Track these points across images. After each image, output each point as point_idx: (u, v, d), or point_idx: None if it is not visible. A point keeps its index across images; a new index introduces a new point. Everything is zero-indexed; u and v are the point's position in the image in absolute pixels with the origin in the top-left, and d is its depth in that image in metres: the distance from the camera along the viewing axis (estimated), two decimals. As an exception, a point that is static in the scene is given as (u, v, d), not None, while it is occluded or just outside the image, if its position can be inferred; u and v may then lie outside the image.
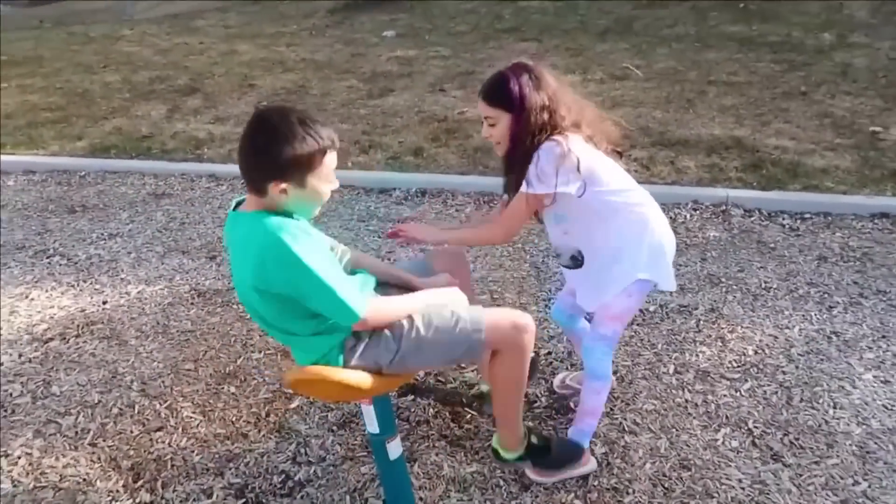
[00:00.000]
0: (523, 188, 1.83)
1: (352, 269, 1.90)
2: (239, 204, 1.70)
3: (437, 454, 2.17)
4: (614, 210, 1.91)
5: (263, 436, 2.28)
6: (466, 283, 2.09)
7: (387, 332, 1.73)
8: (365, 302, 1.62)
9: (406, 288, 1.92)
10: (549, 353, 2.67)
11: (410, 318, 1.74)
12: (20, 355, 2.76)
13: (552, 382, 2.47)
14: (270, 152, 1.52)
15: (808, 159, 4.29)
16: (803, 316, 2.85)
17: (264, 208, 1.60)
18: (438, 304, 1.79)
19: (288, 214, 1.62)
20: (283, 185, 1.55)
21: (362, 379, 1.68)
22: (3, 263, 3.56)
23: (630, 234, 1.94)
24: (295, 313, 1.63)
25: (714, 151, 4.50)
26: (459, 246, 2.22)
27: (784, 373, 2.50)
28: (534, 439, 2.03)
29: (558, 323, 2.40)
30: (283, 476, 2.12)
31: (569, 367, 2.57)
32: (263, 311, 1.66)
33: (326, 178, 1.63)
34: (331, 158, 1.61)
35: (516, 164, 1.86)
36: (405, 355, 1.72)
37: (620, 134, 2.01)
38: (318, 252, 1.58)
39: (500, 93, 1.82)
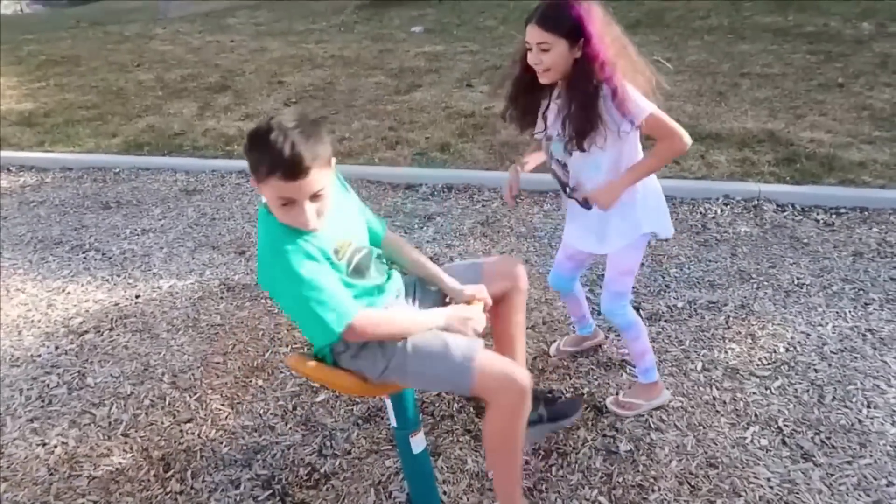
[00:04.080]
0: (641, 113, 1.81)
1: (379, 268, 1.80)
2: None
3: (460, 449, 2.18)
4: (639, 153, 1.97)
5: (290, 428, 2.31)
6: (515, 289, 1.96)
7: (377, 346, 1.66)
8: (346, 316, 1.53)
9: (432, 284, 1.90)
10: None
11: (412, 349, 1.66)
12: (57, 347, 2.84)
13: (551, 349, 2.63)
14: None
15: (844, 153, 4.18)
16: (837, 313, 2.79)
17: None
18: (437, 330, 1.69)
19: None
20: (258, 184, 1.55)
21: (347, 382, 1.70)
22: (41, 259, 3.66)
23: (649, 182, 2.01)
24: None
25: (746, 145, 4.41)
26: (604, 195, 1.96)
27: (816, 371, 2.45)
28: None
29: (557, 289, 2.43)
30: (309, 468, 2.14)
31: (595, 364, 2.55)
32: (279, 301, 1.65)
33: (272, 203, 1.53)
34: (270, 188, 1.49)
35: (580, 95, 1.79)
36: (391, 374, 1.66)
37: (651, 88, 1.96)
38: (307, 266, 1.50)
39: (560, 19, 1.75)
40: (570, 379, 2.47)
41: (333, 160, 1.58)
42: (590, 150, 1.86)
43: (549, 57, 1.78)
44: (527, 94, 1.94)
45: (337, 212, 1.64)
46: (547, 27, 1.76)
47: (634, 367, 2.35)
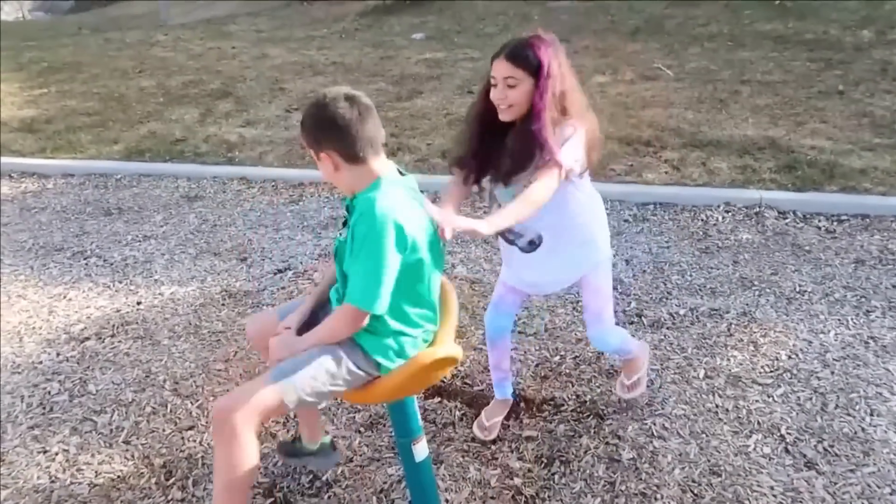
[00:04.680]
0: (562, 165, 1.75)
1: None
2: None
3: (462, 457, 2.17)
4: (590, 192, 1.98)
5: (292, 436, 2.31)
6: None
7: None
8: (384, 306, 1.61)
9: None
10: (577, 356, 2.65)
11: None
12: (58, 354, 2.84)
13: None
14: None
15: (845, 160, 4.19)
16: (839, 320, 2.78)
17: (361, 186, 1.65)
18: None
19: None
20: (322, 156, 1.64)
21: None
22: (42, 265, 3.66)
23: (598, 212, 2.03)
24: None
25: (747, 152, 4.42)
26: None
27: (819, 378, 2.45)
28: None
29: (494, 331, 2.21)
30: (311, 476, 2.13)
31: (598, 372, 2.55)
32: None
33: None
34: None
35: (527, 132, 1.77)
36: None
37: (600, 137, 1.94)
38: (392, 243, 1.59)
39: (528, 56, 1.76)
40: (573, 387, 2.47)
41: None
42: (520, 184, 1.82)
43: (515, 93, 1.77)
44: (485, 135, 1.89)
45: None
46: (517, 63, 1.76)
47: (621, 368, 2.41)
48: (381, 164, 1.64)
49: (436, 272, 1.72)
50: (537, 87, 1.76)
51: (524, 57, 1.76)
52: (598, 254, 2.03)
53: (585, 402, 2.39)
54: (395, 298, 1.61)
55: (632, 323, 2.84)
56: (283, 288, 3.27)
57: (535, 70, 1.76)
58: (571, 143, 1.79)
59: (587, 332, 2.15)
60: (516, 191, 1.82)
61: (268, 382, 1.60)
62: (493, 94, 1.81)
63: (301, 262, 3.50)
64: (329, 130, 1.58)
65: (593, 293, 2.07)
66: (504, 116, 1.82)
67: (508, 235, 1.83)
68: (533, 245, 1.81)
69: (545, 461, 2.14)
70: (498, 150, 1.86)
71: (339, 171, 1.62)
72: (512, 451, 2.18)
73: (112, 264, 3.63)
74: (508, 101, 1.79)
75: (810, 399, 2.35)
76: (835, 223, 3.60)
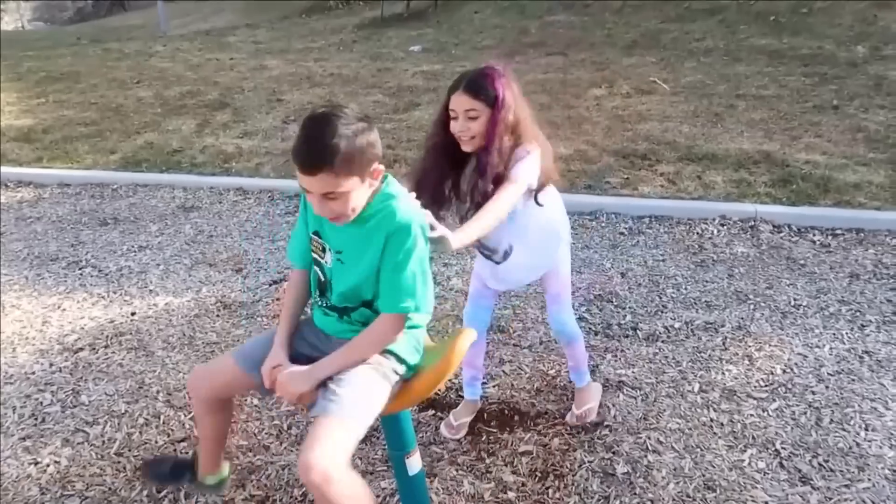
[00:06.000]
0: (518, 181, 1.84)
1: None
2: None
3: (456, 470, 2.16)
4: (553, 197, 2.08)
5: (285, 448, 2.30)
6: None
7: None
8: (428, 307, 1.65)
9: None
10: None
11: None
12: (51, 364, 2.82)
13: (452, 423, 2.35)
14: (371, 138, 1.53)
15: (839, 174, 4.21)
16: (834, 334, 2.79)
17: None
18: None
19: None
20: (382, 167, 1.58)
21: None
22: (37, 275, 3.65)
23: (559, 209, 2.13)
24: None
25: (742, 166, 4.44)
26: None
27: (814, 393, 2.44)
28: None
29: (474, 327, 2.23)
30: (304, 489, 2.12)
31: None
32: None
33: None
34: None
35: (488, 160, 1.85)
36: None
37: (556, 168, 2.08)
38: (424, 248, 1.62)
39: (487, 88, 1.84)
40: (567, 400, 2.46)
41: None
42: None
43: (477, 124, 1.84)
44: (443, 167, 1.94)
45: None
46: (476, 96, 1.83)
47: (571, 374, 2.43)
48: None
49: None
50: (492, 118, 1.83)
51: (483, 88, 1.84)
52: (561, 242, 2.16)
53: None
54: None
55: (627, 336, 2.84)
56: (277, 299, 3.26)
57: (493, 101, 1.83)
58: (525, 162, 1.87)
59: (548, 313, 2.29)
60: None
61: (335, 424, 1.50)
62: (455, 127, 1.87)
63: (296, 274, 3.50)
64: (377, 145, 1.54)
65: (554, 276, 2.19)
66: (466, 147, 1.89)
67: (483, 251, 1.98)
68: (507, 255, 2.02)
69: (539, 475, 2.13)
70: (457, 178, 1.94)
71: (370, 188, 1.56)
72: (506, 465, 2.17)
73: (107, 274, 3.62)
74: (471, 132, 1.85)
75: (805, 413, 2.34)
76: (829, 237, 3.62)
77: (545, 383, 2.56)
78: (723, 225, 3.80)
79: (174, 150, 5.52)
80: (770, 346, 2.73)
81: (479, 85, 1.84)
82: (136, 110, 6.77)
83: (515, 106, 1.87)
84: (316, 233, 1.68)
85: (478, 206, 1.87)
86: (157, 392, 2.62)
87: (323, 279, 1.69)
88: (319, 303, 1.72)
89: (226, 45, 10.30)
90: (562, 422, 2.36)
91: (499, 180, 1.85)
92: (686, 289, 3.20)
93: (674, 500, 2.01)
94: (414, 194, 1.74)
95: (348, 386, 1.55)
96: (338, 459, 1.45)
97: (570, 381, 2.45)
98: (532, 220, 2.02)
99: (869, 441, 2.21)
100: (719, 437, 2.25)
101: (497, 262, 2.06)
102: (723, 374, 2.57)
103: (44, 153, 5.61)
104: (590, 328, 2.90)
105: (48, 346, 2.96)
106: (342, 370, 1.58)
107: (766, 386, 2.49)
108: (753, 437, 2.24)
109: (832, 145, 4.69)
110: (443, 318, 3.01)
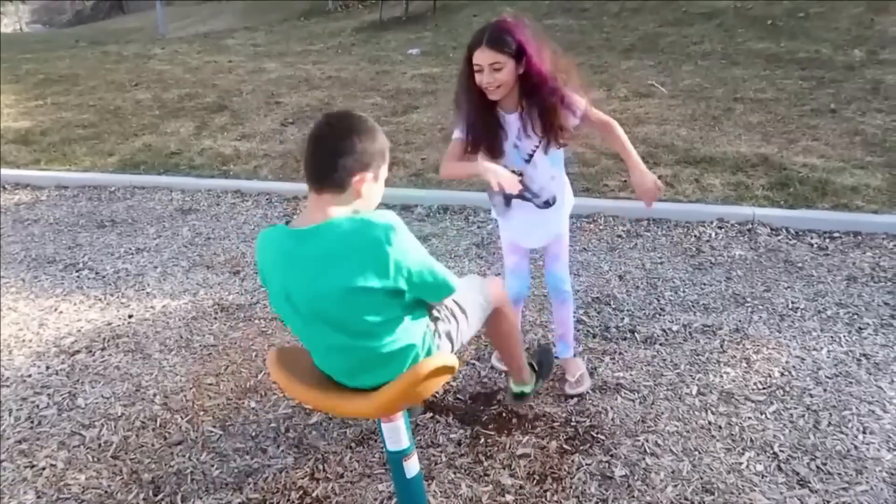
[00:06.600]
0: (580, 106, 2.12)
1: None
2: (288, 223, 1.67)
3: (454, 473, 2.16)
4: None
5: (282, 451, 2.29)
6: (499, 314, 2.17)
7: (443, 311, 1.89)
8: (453, 276, 1.77)
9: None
10: (570, 372, 2.64)
11: (455, 301, 1.91)
12: (48, 367, 2.81)
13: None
14: (357, 146, 1.60)
15: (837, 177, 4.22)
16: (832, 337, 2.79)
17: (337, 212, 1.60)
18: (470, 288, 2.00)
19: (360, 209, 1.67)
20: (369, 176, 1.64)
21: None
22: (34, 277, 3.64)
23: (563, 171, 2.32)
24: (387, 307, 1.64)
25: (740, 169, 4.45)
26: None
27: (811, 395, 2.44)
28: (534, 365, 2.39)
29: (521, 296, 2.54)
30: (302, 492, 2.12)
31: (591, 388, 2.54)
32: (353, 315, 1.61)
33: (385, 172, 1.75)
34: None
35: (544, 96, 2.06)
36: (461, 328, 1.91)
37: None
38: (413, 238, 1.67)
39: (507, 39, 1.99)
40: (566, 403, 2.46)
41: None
42: (550, 160, 2.18)
43: (502, 74, 2.01)
44: (484, 117, 2.12)
45: None
46: (497, 48, 1.99)
47: (556, 344, 2.62)
48: None
49: None
50: (529, 62, 2.01)
51: (503, 41, 1.99)
52: (568, 209, 2.37)
53: (578, 418, 2.38)
54: None
55: (624, 339, 2.84)
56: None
57: (514, 51, 1.99)
58: (571, 96, 2.12)
59: (547, 271, 2.45)
60: (547, 160, 2.18)
61: None
62: (482, 79, 2.02)
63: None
64: (382, 139, 1.68)
65: (562, 244, 2.41)
66: (494, 96, 2.06)
67: (526, 194, 2.17)
68: (548, 205, 2.21)
69: (537, 478, 2.12)
70: (493, 125, 2.14)
71: (373, 188, 1.69)
72: (504, 468, 2.17)
73: (104, 277, 3.61)
74: (497, 82, 2.01)
75: (803, 416, 2.34)
76: (827, 240, 3.62)
77: (543, 386, 2.56)
78: (720, 228, 3.80)
79: (172, 153, 5.52)
80: (768, 348, 2.73)
81: (500, 38, 1.99)
82: (134, 113, 6.77)
83: (539, 51, 2.03)
84: None
85: (550, 140, 2.12)
86: (154, 395, 2.61)
87: None
88: None
89: (224, 48, 10.31)
90: (560, 425, 2.35)
91: (566, 111, 2.10)
92: (684, 292, 3.20)
93: (672, 502, 2.01)
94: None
95: None
96: None
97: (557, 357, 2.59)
98: (563, 167, 2.26)
99: (867, 444, 2.20)
100: (717, 440, 2.25)
101: (537, 206, 2.21)
102: (721, 376, 2.57)
103: (41, 155, 5.60)
104: (588, 331, 2.90)
105: (45, 349, 2.95)
106: None
107: (763, 389, 2.49)
108: (751, 440, 2.24)
109: (830, 148, 4.70)
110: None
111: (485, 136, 2.12)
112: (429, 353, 1.76)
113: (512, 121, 2.14)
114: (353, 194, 1.63)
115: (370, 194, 1.68)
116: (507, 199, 2.22)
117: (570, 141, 2.19)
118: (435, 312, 1.87)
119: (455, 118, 2.22)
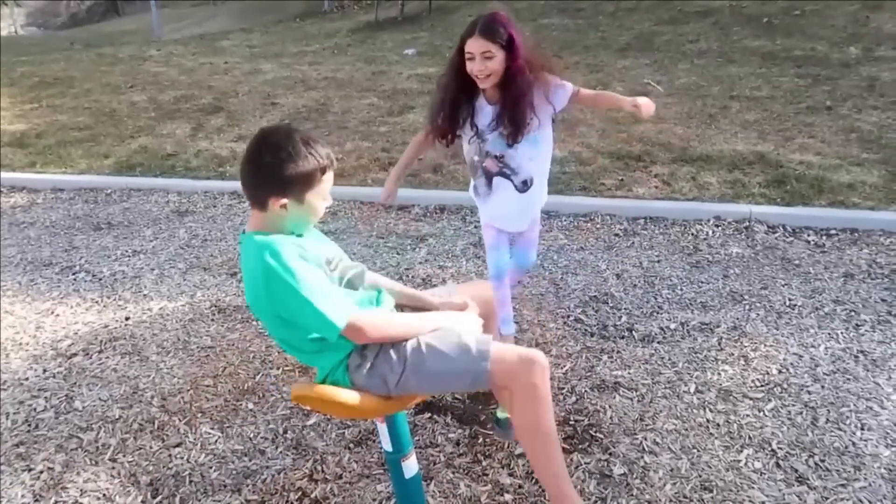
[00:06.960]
0: (568, 88, 2.23)
1: (369, 288, 1.89)
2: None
3: (453, 473, 2.15)
4: (553, 138, 2.35)
5: (281, 452, 2.29)
6: (490, 315, 2.17)
7: (392, 352, 1.71)
8: (346, 314, 1.60)
9: (423, 310, 1.92)
10: (568, 370, 2.64)
11: (417, 339, 1.72)
12: (45, 370, 2.80)
13: None
14: (274, 169, 1.59)
15: (833, 174, 4.22)
16: (829, 334, 2.79)
17: (261, 227, 1.68)
18: (447, 328, 1.76)
19: (284, 230, 1.68)
20: (284, 201, 1.62)
21: (362, 401, 1.68)
22: (31, 280, 3.63)
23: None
24: (295, 330, 1.67)
25: (737, 167, 4.45)
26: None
27: (809, 392, 2.45)
28: None
29: (503, 275, 2.45)
30: (300, 493, 2.11)
31: (589, 387, 2.54)
32: (269, 329, 1.72)
33: (323, 195, 1.69)
34: (328, 177, 1.68)
35: (516, 90, 2.13)
36: (409, 377, 1.69)
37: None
38: (302, 267, 1.59)
39: (499, 30, 2.08)
40: (564, 402, 2.46)
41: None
42: (529, 133, 2.21)
43: (493, 63, 2.09)
44: (458, 103, 2.22)
45: (322, 239, 1.80)
46: (490, 38, 2.08)
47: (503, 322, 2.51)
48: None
49: None
50: (513, 55, 2.09)
51: (496, 31, 2.08)
52: (544, 196, 2.43)
53: (576, 417, 2.37)
54: None
55: (622, 337, 2.84)
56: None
57: (505, 42, 2.08)
58: (554, 81, 2.21)
59: (521, 254, 2.50)
60: (527, 141, 2.22)
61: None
62: (472, 67, 2.11)
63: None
64: (311, 163, 1.65)
65: (537, 226, 2.50)
66: (483, 84, 2.15)
67: (505, 170, 2.25)
68: (525, 185, 2.28)
69: (536, 477, 2.12)
70: (468, 109, 2.23)
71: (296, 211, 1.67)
72: (503, 468, 2.17)
73: (101, 279, 3.60)
74: (487, 70, 2.10)
75: (801, 413, 2.34)
76: (824, 237, 3.63)
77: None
78: (717, 226, 3.80)
79: (168, 155, 5.51)
80: (765, 346, 2.73)
81: (493, 28, 2.09)
82: (129, 115, 6.76)
83: (522, 43, 2.12)
84: None
85: (515, 130, 2.16)
86: (152, 397, 2.60)
87: None
88: None
89: (220, 50, 10.29)
90: (558, 424, 2.34)
91: (531, 109, 2.16)
92: (681, 290, 3.20)
93: (671, 500, 2.01)
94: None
95: None
96: None
97: (502, 335, 2.46)
98: (546, 150, 2.31)
99: (865, 440, 2.21)
100: (715, 438, 2.25)
101: (515, 187, 2.28)
102: (718, 374, 2.57)
103: (37, 158, 5.59)
104: (585, 329, 2.90)
105: (42, 352, 2.94)
106: None
107: (761, 386, 2.49)
108: (750, 438, 2.24)
109: (826, 146, 4.70)
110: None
111: (451, 116, 2.22)
112: (335, 383, 1.72)
113: (489, 110, 2.23)
114: (274, 213, 1.64)
115: (293, 216, 1.66)
116: (489, 177, 2.30)
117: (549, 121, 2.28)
118: (373, 347, 1.70)
119: (429, 105, 2.33)
